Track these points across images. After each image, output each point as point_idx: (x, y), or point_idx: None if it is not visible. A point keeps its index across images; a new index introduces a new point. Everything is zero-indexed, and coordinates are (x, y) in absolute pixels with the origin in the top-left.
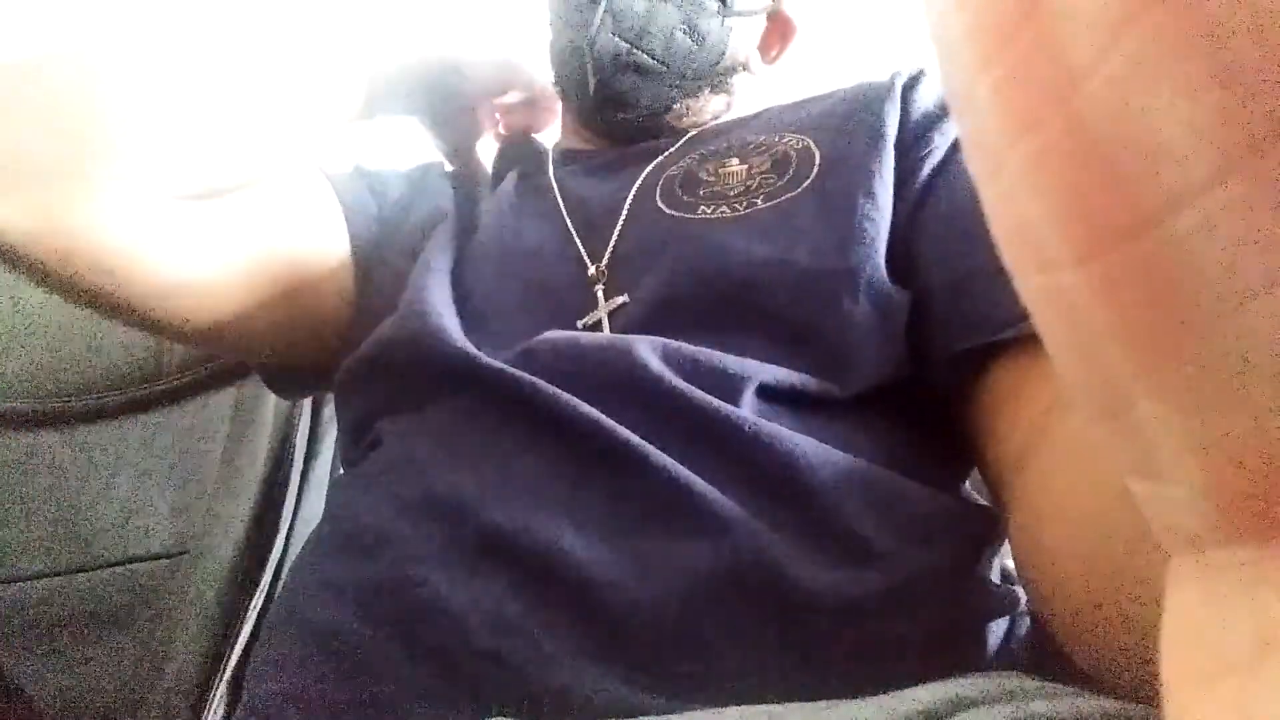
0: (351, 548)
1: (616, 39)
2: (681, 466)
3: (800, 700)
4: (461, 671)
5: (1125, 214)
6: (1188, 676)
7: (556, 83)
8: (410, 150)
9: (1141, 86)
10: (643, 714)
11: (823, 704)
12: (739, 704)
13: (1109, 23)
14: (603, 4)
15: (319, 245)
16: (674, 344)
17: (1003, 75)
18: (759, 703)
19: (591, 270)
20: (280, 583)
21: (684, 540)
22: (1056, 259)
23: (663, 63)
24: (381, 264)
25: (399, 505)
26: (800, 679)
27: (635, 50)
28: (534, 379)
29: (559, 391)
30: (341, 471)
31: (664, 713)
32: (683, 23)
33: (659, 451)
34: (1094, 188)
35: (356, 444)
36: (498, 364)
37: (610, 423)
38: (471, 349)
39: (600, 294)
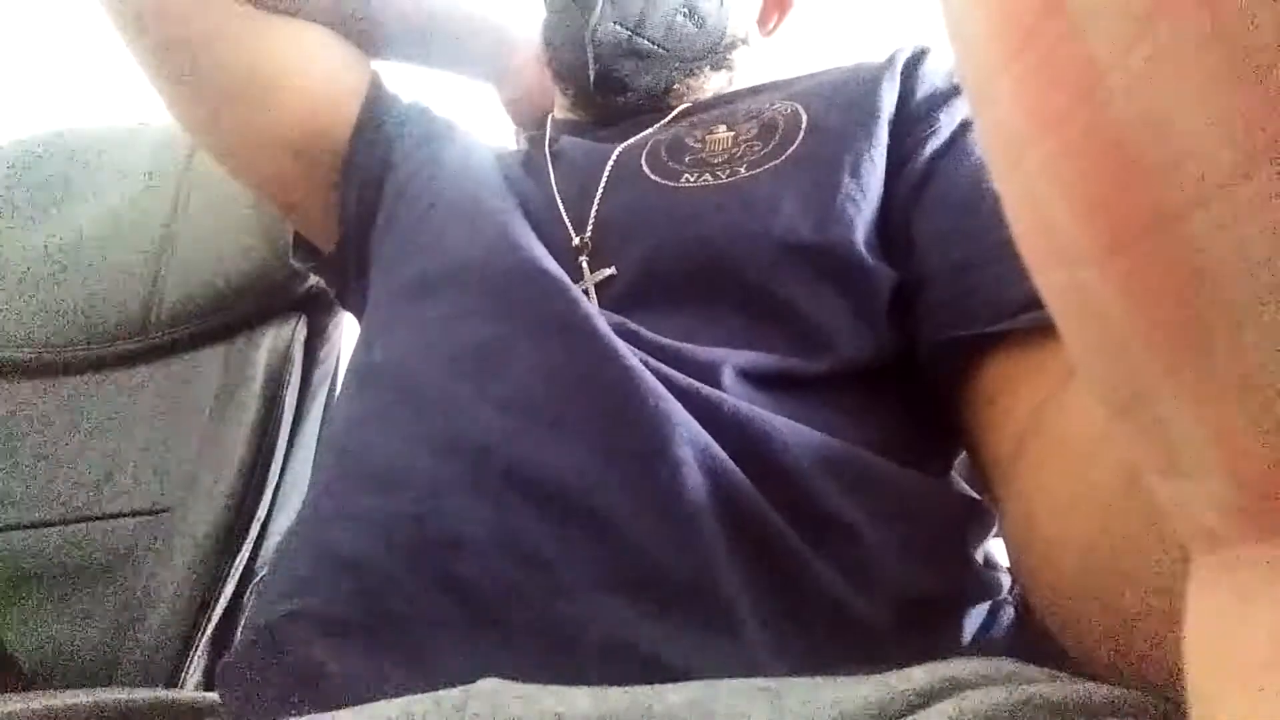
0: (372, 482)
1: (618, 27)
2: (696, 423)
3: (794, 663)
4: (481, 601)
5: (1149, 210)
6: (1213, 674)
7: (552, 65)
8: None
9: (1166, 83)
10: (645, 653)
11: (821, 679)
12: (742, 652)
13: (1133, 19)
14: None
15: (322, 115)
16: (642, 332)
17: (1025, 71)
18: (759, 653)
19: (575, 241)
20: (264, 543)
21: (704, 485)
22: (1078, 255)
23: (663, 47)
24: (373, 182)
25: (422, 442)
26: (793, 643)
27: (636, 37)
28: (596, 315)
29: (613, 335)
30: (351, 390)
31: (667, 652)
32: (683, 6)
33: (680, 406)
34: (1117, 184)
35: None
36: (575, 291)
37: (644, 373)
38: (561, 273)
39: (585, 265)
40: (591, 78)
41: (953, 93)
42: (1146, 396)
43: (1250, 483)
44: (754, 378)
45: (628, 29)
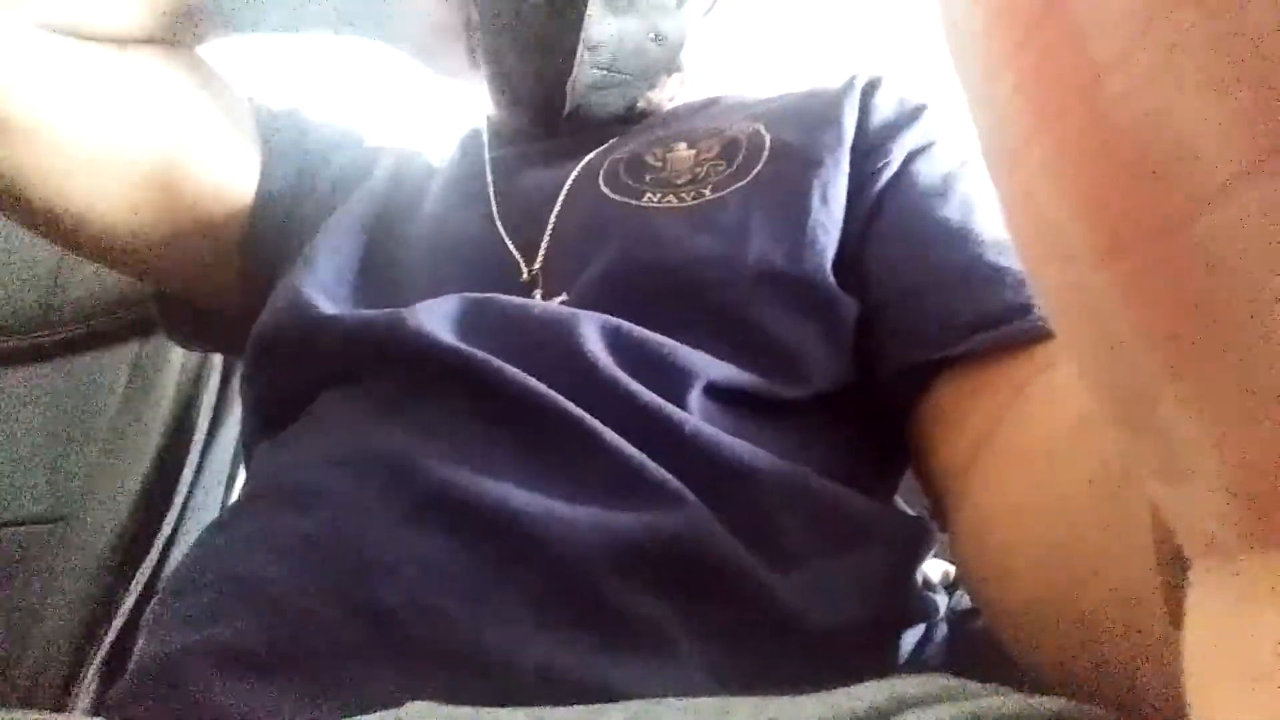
0: (282, 504)
1: (594, 70)
2: (632, 446)
3: (730, 683)
4: (400, 628)
5: (1152, 212)
6: (1213, 684)
7: (508, 101)
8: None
9: (1167, 83)
10: (581, 678)
11: (768, 699)
12: (678, 673)
13: (1135, 18)
14: (581, 42)
15: (223, 163)
16: (623, 326)
17: (1024, 70)
18: (695, 674)
19: (525, 275)
20: (169, 557)
21: (638, 508)
22: (1079, 258)
23: (633, 74)
24: (287, 216)
25: (335, 462)
26: (731, 663)
27: (611, 73)
28: (470, 351)
29: (504, 366)
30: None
31: (604, 675)
32: (649, 31)
33: (610, 430)
34: (1119, 186)
35: (272, 420)
36: (429, 334)
37: (563, 401)
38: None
39: (538, 297)
40: (564, 117)
41: (902, 123)
42: (1148, 400)
43: (1253, 489)
44: (727, 395)
45: (603, 69)
